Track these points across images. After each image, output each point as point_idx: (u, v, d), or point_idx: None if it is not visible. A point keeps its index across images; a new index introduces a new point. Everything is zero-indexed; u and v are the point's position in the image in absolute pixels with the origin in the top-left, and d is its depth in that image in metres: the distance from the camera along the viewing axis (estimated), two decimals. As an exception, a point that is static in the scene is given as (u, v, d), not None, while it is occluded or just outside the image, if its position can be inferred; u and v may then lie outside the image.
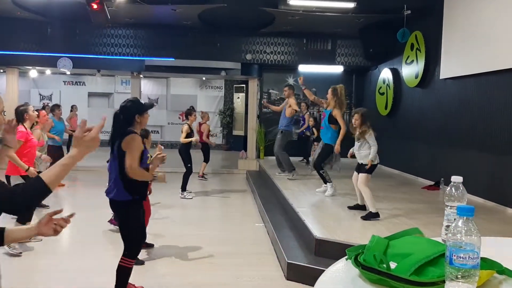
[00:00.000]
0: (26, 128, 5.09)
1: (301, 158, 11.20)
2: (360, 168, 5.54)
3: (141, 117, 3.59)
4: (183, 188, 8.22)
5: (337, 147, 6.65)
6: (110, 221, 5.86)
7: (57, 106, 8.80)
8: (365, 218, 5.40)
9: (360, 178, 5.50)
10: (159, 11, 10.07)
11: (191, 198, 8.14)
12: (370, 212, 5.41)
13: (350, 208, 5.92)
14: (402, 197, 7.09)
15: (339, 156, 6.89)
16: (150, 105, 3.78)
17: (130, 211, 3.59)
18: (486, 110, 6.81)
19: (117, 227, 5.25)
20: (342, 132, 6.67)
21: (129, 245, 3.63)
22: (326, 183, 6.97)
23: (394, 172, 10.08)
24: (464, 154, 7.34)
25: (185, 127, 8.09)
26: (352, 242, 4.20)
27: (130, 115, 3.55)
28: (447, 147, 7.88)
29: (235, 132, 16.59)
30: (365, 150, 5.46)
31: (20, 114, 5.13)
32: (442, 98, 8.20)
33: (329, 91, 6.81)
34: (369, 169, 5.42)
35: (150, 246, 5.25)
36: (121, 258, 3.62)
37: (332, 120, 6.74)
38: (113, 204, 3.69)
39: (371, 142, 5.40)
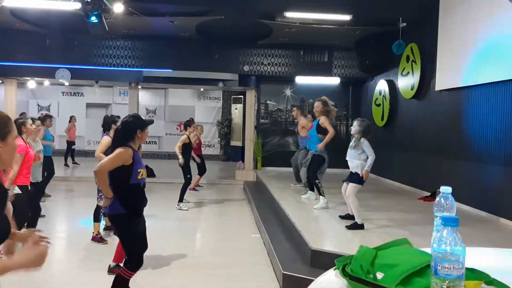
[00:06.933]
0: (24, 141, 5.06)
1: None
2: (352, 177, 5.42)
3: (142, 132, 3.70)
4: (180, 199, 8.20)
5: (321, 146, 6.58)
6: (93, 239, 5.82)
7: (48, 117, 8.72)
8: (350, 227, 5.38)
9: (349, 187, 5.41)
10: (157, 23, 10.15)
11: (187, 210, 8.10)
12: (356, 222, 5.39)
13: (342, 217, 5.88)
14: (397, 207, 7.10)
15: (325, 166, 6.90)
16: (150, 121, 3.89)
17: (122, 225, 3.66)
18: (481, 121, 6.84)
19: (100, 243, 5.71)
20: (329, 135, 6.65)
21: (129, 257, 3.71)
22: (312, 191, 7.14)
23: (390, 183, 10.09)
24: (459, 165, 7.36)
25: (184, 136, 8.16)
26: (348, 253, 4.17)
27: (132, 129, 3.65)
28: (443, 158, 7.90)
29: (232, 143, 16.60)
30: (357, 160, 5.33)
31: (18, 126, 5.11)
32: (438, 110, 8.25)
33: (317, 103, 6.88)
34: (361, 180, 5.33)
35: None
36: (121, 267, 3.76)
37: (320, 129, 6.76)
38: (110, 218, 3.88)
39: (368, 151, 5.27)
